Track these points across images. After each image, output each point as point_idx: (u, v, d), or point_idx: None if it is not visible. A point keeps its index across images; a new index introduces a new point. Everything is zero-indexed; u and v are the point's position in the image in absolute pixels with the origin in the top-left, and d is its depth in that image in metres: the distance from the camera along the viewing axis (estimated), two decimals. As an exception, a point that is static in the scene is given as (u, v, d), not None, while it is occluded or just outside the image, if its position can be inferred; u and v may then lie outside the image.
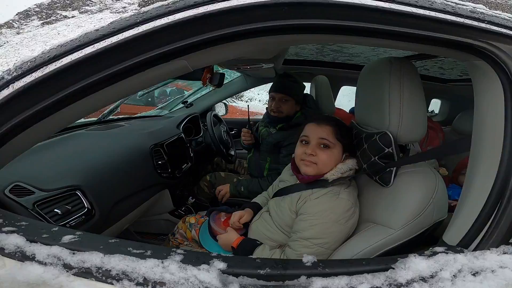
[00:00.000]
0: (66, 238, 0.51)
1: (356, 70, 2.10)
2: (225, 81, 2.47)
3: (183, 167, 1.65)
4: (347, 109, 2.38)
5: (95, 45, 0.45)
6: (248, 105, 1.85)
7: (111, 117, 1.90)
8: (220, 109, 2.78)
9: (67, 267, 0.46)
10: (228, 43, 0.46)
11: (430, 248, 0.59)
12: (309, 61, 2.10)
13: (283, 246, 0.98)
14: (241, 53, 0.52)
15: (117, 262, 0.47)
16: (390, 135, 0.77)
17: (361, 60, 1.93)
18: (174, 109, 2.44)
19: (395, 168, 0.81)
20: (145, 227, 1.73)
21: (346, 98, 2.70)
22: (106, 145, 1.27)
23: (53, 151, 1.13)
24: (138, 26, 0.45)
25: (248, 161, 1.84)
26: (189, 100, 2.45)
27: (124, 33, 0.45)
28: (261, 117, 2.27)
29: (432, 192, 0.76)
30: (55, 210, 0.87)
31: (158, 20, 0.44)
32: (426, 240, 0.80)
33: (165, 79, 0.53)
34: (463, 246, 0.58)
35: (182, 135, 1.75)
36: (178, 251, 0.52)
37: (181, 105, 2.44)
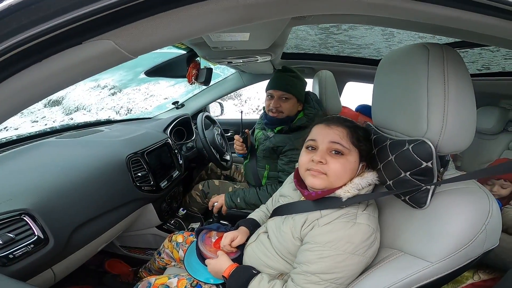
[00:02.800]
0: None
1: (363, 64, 1.90)
2: (219, 78, 2.28)
3: (171, 176, 1.46)
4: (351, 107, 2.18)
5: None
6: (241, 111, 1.64)
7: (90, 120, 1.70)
8: (215, 109, 2.58)
9: None
10: (178, 8, 0.26)
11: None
12: (311, 55, 1.90)
13: (284, 275, 0.81)
14: (210, 27, 0.32)
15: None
16: (430, 144, 0.57)
17: (370, 53, 1.73)
18: (164, 111, 2.24)
19: (433, 186, 0.61)
20: (132, 241, 1.58)
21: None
22: (73, 157, 1.07)
23: (6, 166, 0.95)
24: None
25: (245, 168, 1.64)
26: (180, 100, 2.24)
27: None
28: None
29: (485, 217, 0.58)
30: None
31: None
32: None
33: (89, 71, 0.33)
34: None
35: (169, 140, 1.55)
36: None
37: (172, 106, 2.23)
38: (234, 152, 1.72)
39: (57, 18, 0.25)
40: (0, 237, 0.73)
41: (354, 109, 2.19)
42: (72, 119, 7.86)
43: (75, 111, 8.28)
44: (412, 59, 0.62)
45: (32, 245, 0.78)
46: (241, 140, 1.54)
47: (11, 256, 0.73)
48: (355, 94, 2.47)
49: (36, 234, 0.79)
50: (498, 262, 0.95)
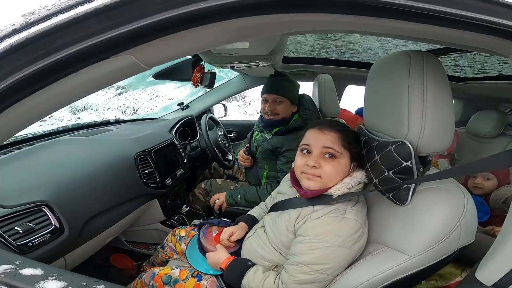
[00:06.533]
0: (0, 269, 0.44)
1: (362, 68, 1.96)
2: (223, 81, 2.36)
3: (175, 174, 1.53)
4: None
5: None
6: (248, 136, 1.77)
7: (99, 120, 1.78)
8: (219, 111, 2.65)
9: None
10: (186, 30, 0.32)
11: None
12: (311, 59, 1.95)
13: (279, 267, 0.87)
14: (212, 43, 0.39)
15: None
16: (409, 145, 0.63)
17: (368, 57, 1.79)
18: (170, 111, 2.32)
19: (413, 184, 0.67)
20: (137, 236, 1.64)
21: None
22: (86, 154, 1.15)
23: (25, 161, 1.03)
24: (56, 15, 0.31)
25: (246, 169, 1.71)
26: (185, 102, 2.32)
27: (37, 25, 0.32)
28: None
29: (460, 214, 0.63)
30: (16, 228, 0.78)
31: (80, 7, 0.31)
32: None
33: (113, 80, 0.41)
34: (500, 286, 0.51)
35: (174, 139, 1.62)
36: None
37: (177, 107, 2.31)
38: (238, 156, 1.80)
39: (94, 37, 0.32)
40: (21, 226, 0.79)
41: (354, 112, 2.25)
42: (79, 118, 7.98)
43: (82, 111, 8.41)
44: (396, 66, 0.67)
45: (49, 234, 0.84)
46: (249, 158, 1.64)
47: (30, 244, 0.79)
48: (356, 97, 2.52)
49: (53, 224, 0.86)
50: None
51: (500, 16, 0.35)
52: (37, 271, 0.44)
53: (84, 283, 0.43)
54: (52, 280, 0.43)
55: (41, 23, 0.32)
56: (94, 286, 0.43)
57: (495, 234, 1.14)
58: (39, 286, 0.41)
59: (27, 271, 0.44)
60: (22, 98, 0.35)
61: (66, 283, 0.42)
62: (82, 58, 0.34)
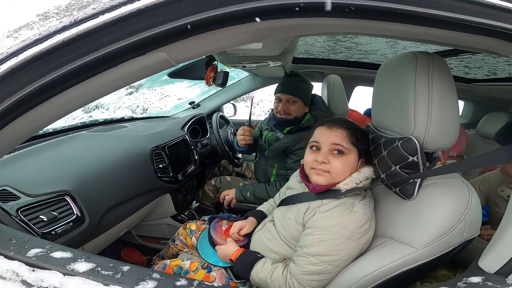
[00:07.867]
0: (32, 252, 0.48)
1: (371, 69, 1.97)
2: (233, 81, 2.41)
3: (186, 170, 1.58)
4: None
5: (52, 38, 0.37)
6: (252, 99, 1.73)
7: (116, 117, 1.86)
8: (229, 110, 2.71)
9: (26, 284, 0.43)
10: (212, 30, 0.37)
11: (464, 279, 0.52)
12: (321, 60, 1.98)
13: (287, 259, 0.90)
14: (233, 43, 0.43)
15: (76, 286, 0.42)
16: (416, 141, 0.66)
17: (377, 58, 1.81)
18: (181, 110, 2.39)
19: (419, 179, 0.70)
20: (148, 231, 1.68)
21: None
22: (104, 148, 1.21)
23: (48, 154, 1.09)
24: (102, 14, 0.36)
25: (255, 166, 1.75)
26: (196, 101, 2.39)
27: (85, 23, 0.37)
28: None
29: (464, 208, 0.65)
30: (40, 216, 0.82)
31: (124, 7, 0.36)
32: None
33: (145, 75, 0.46)
34: (501, 274, 0.52)
35: (187, 137, 1.68)
36: (154, 275, 0.46)
37: (188, 106, 2.38)
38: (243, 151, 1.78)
39: (135, 35, 0.37)
40: (45, 215, 0.83)
41: (362, 113, 2.26)
42: (91, 117, 8.17)
43: (94, 109, 8.60)
44: (403, 66, 0.70)
45: (71, 223, 0.88)
46: (250, 130, 1.60)
47: (53, 232, 0.83)
48: (364, 99, 2.54)
49: (75, 213, 0.90)
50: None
51: (498, 20, 0.38)
52: (67, 254, 0.48)
53: (111, 264, 0.47)
54: (81, 262, 0.47)
55: (88, 20, 0.37)
56: (121, 267, 0.47)
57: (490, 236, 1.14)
58: (69, 267, 0.45)
59: (57, 254, 0.48)
60: (71, 86, 0.40)
61: (95, 264, 0.46)
62: (123, 54, 0.39)
